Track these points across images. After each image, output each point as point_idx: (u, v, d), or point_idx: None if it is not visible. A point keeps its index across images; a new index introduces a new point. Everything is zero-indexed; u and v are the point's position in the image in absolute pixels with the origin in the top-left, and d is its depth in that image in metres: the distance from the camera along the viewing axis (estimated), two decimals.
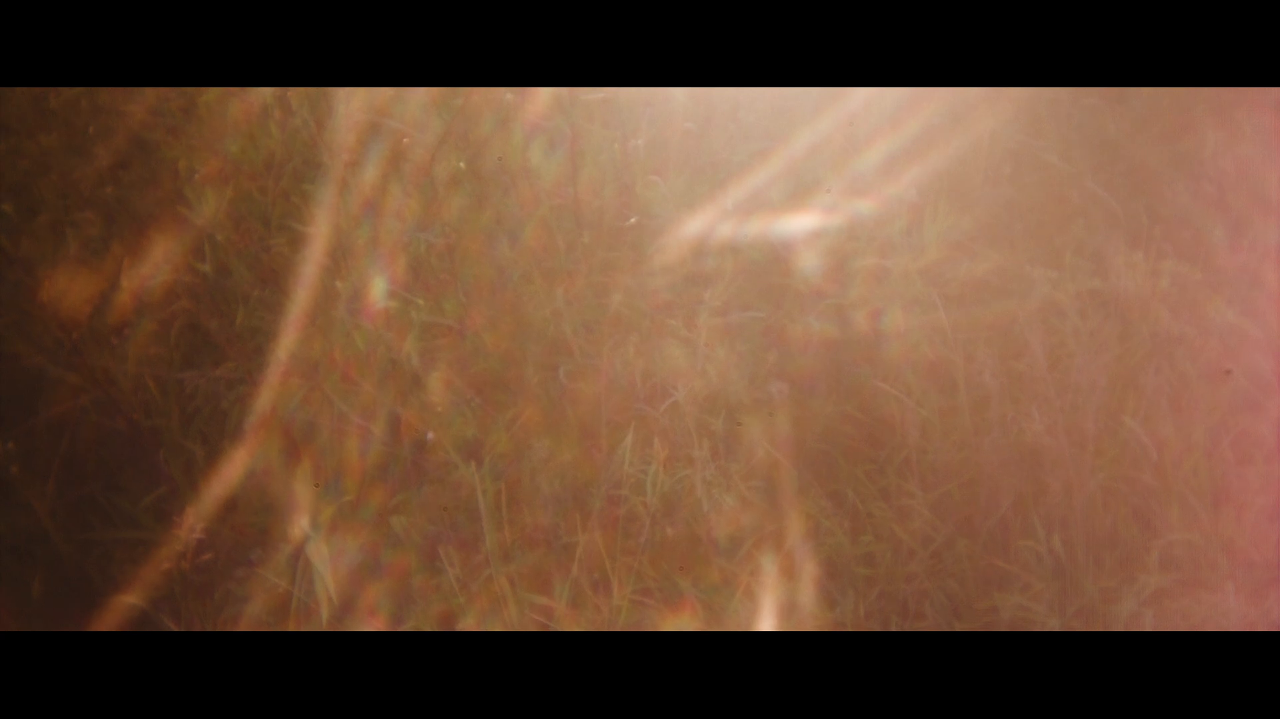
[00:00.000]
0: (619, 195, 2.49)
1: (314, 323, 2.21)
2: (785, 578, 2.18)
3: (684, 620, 2.08)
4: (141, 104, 2.18)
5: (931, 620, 2.21)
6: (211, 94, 2.21)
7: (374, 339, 2.25)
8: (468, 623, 2.00)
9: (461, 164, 2.38)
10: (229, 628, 1.93)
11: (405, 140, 2.32)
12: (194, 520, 1.90)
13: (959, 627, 2.21)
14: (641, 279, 2.49)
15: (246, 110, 2.25)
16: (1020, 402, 2.51)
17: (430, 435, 2.23)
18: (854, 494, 2.39)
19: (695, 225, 2.54)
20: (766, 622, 2.10)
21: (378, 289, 2.24)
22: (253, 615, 1.96)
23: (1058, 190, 2.71)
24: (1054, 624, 2.16)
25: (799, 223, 2.54)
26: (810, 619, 2.11)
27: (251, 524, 2.07)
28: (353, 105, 2.23)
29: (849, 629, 2.22)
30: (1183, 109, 2.68)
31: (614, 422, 2.40)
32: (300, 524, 1.98)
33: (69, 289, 2.15)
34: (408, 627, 2.01)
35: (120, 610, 1.88)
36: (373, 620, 2.01)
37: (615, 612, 2.08)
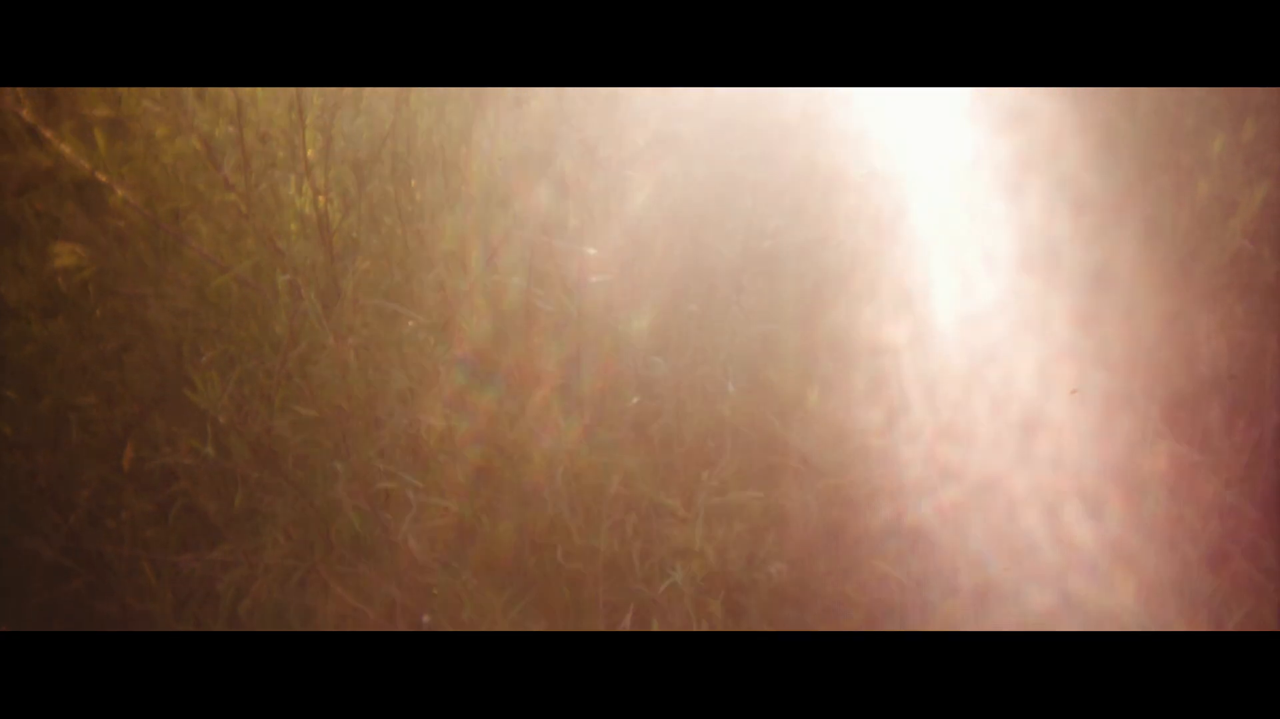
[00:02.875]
0: (621, 376, 2.51)
1: (312, 504, 2.22)
2: None
3: None
4: (150, 287, 2.23)
5: None
6: (222, 279, 2.26)
7: (371, 519, 2.26)
8: None
9: (464, 345, 2.42)
10: None
11: (410, 323, 2.36)
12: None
13: None
14: (641, 459, 2.50)
15: (255, 293, 2.29)
16: (1022, 580, 2.50)
17: (426, 618, 2.22)
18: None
19: (696, 405, 2.56)
20: None
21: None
22: None
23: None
24: None
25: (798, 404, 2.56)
26: None
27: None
28: (360, 289, 2.28)
29: None
30: (1175, 291, 2.71)
31: (611, 603, 2.38)
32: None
33: (68, 473, 2.18)
34: None
35: None
36: None
37: None
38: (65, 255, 2.16)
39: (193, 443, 2.18)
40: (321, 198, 2.24)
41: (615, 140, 2.42)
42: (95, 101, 2.16)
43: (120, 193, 2.16)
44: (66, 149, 2.11)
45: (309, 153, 2.21)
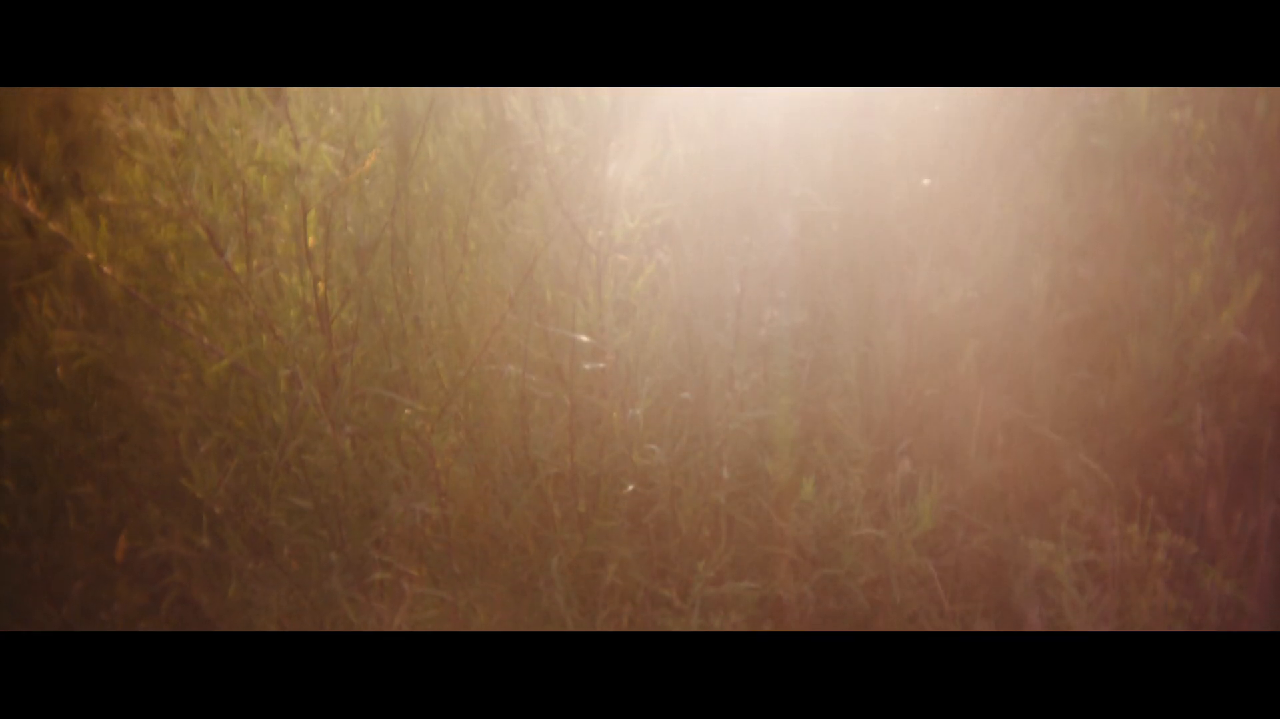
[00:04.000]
0: (616, 464, 2.50)
1: (306, 595, 2.21)
2: None
3: None
4: (148, 375, 2.23)
5: None
6: (220, 366, 2.26)
7: (365, 611, 2.24)
8: None
9: (460, 433, 2.42)
10: None
11: (407, 411, 2.36)
12: None
13: None
14: (636, 548, 2.49)
15: (254, 382, 2.30)
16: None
17: None
18: None
19: (691, 494, 2.55)
20: None
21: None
22: None
23: (1050, 462, 2.74)
24: None
25: (793, 493, 2.55)
26: None
27: None
28: (359, 377, 2.29)
29: None
30: (1170, 383, 2.73)
31: None
32: None
33: (63, 563, 2.16)
34: None
35: None
36: None
37: None
38: (65, 343, 2.17)
39: (188, 533, 2.17)
40: (321, 285, 2.25)
41: (608, 228, 2.43)
42: (101, 187, 2.18)
43: (120, 280, 2.17)
44: (68, 237, 2.13)
45: (310, 240, 2.23)
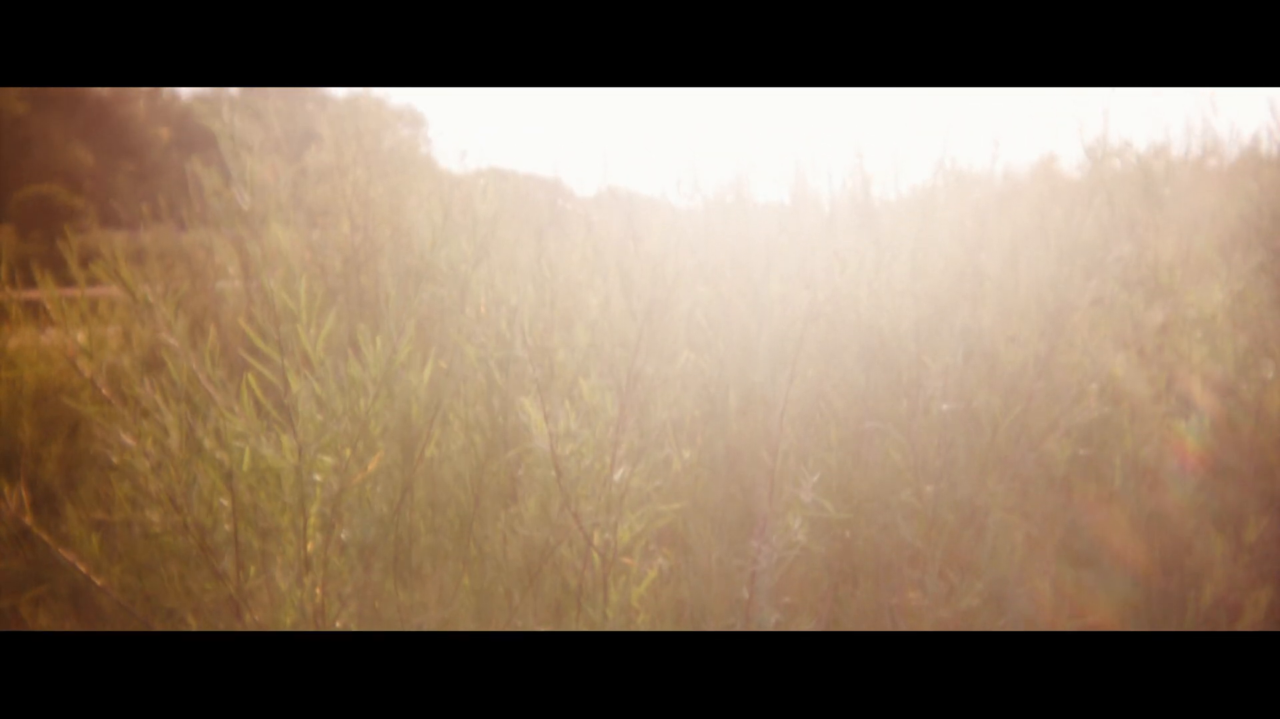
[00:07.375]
0: None
1: None
2: None
3: None
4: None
5: None
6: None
7: None
8: None
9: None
10: None
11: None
12: None
13: None
14: None
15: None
16: None
17: None
18: None
19: None
20: None
21: None
22: None
23: None
24: None
25: None
26: None
27: None
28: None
29: None
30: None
31: None
32: None
33: None
34: None
35: None
36: None
37: None
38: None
39: None
40: (319, 590, 2.17)
41: (613, 531, 2.39)
42: (91, 504, 2.13)
43: (114, 596, 2.09)
44: (62, 552, 2.06)
45: (309, 546, 2.16)
